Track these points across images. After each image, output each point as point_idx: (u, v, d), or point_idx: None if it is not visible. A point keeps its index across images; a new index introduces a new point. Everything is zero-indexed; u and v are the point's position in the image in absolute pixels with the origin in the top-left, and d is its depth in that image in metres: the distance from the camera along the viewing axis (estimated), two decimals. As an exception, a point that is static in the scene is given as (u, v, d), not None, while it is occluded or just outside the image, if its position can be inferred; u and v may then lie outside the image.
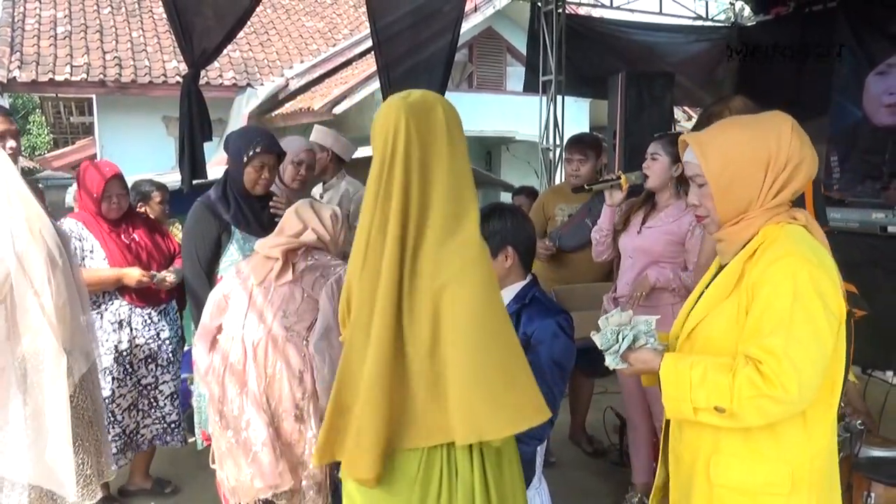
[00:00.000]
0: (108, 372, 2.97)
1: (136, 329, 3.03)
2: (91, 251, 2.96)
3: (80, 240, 2.94)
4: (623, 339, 1.55)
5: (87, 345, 2.37)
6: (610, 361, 1.57)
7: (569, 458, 3.64)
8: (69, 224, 2.96)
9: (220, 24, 4.39)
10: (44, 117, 19.76)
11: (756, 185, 1.47)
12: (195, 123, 4.50)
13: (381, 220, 1.29)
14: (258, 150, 2.60)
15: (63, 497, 2.13)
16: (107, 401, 2.90)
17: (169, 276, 3.03)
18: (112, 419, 2.96)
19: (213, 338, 2.19)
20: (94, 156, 11.19)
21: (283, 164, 2.95)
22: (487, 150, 11.96)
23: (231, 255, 2.64)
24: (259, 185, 2.68)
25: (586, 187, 3.02)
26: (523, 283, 2.18)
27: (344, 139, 3.85)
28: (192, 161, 4.46)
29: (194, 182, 4.28)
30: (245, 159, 2.61)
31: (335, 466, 2.18)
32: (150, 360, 3.08)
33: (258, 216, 2.71)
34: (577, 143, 3.57)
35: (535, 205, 3.89)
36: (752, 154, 1.47)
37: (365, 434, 1.21)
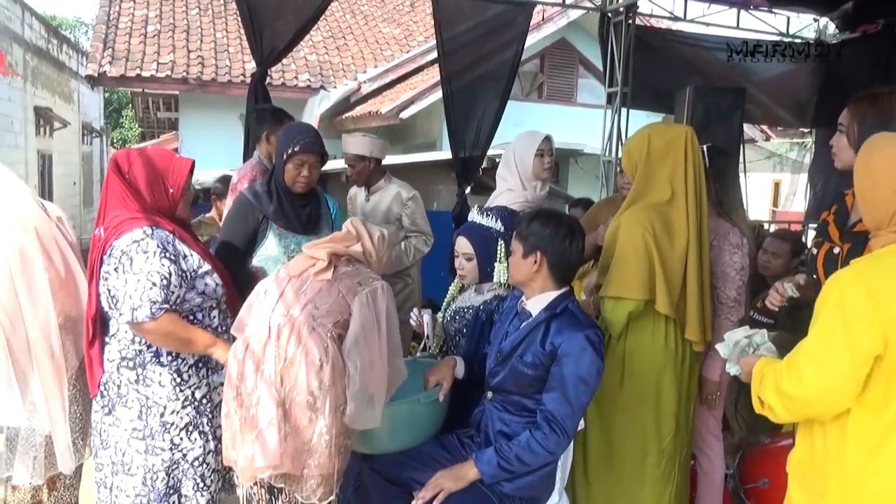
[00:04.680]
0: (197, 428, 2.19)
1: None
2: (199, 267, 2.18)
3: (185, 256, 2.15)
4: (736, 348, 1.83)
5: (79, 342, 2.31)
6: (729, 368, 1.86)
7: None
8: (160, 237, 2.08)
9: (290, 26, 4.52)
10: (134, 112, 20.80)
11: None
12: (260, 121, 4.63)
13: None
14: (297, 148, 2.60)
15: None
16: (204, 463, 2.22)
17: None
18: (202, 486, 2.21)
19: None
20: (177, 150, 11.69)
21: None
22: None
23: (266, 248, 2.67)
24: (298, 183, 2.66)
25: None
26: (557, 292, 2.15)
27: (378, 140, 3.66)
28: (255, 157, 4.59)
29: (257, 178, 4.40)
30: (285, 157, 2.61)
31: (356, 462, 2.19)
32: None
33: (298, 214, 2.71)
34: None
35: (587, 214, 3.82)
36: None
37: None
